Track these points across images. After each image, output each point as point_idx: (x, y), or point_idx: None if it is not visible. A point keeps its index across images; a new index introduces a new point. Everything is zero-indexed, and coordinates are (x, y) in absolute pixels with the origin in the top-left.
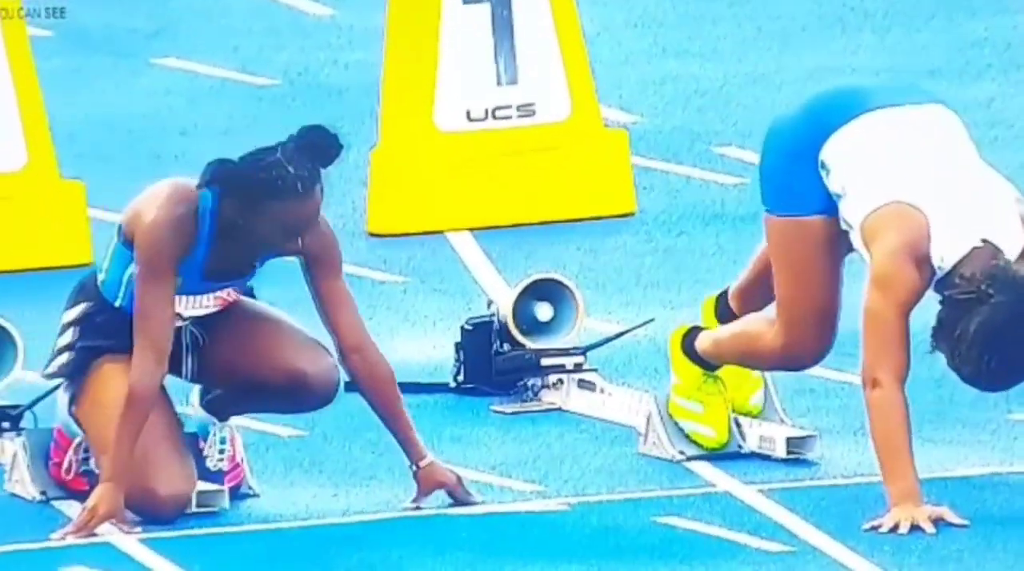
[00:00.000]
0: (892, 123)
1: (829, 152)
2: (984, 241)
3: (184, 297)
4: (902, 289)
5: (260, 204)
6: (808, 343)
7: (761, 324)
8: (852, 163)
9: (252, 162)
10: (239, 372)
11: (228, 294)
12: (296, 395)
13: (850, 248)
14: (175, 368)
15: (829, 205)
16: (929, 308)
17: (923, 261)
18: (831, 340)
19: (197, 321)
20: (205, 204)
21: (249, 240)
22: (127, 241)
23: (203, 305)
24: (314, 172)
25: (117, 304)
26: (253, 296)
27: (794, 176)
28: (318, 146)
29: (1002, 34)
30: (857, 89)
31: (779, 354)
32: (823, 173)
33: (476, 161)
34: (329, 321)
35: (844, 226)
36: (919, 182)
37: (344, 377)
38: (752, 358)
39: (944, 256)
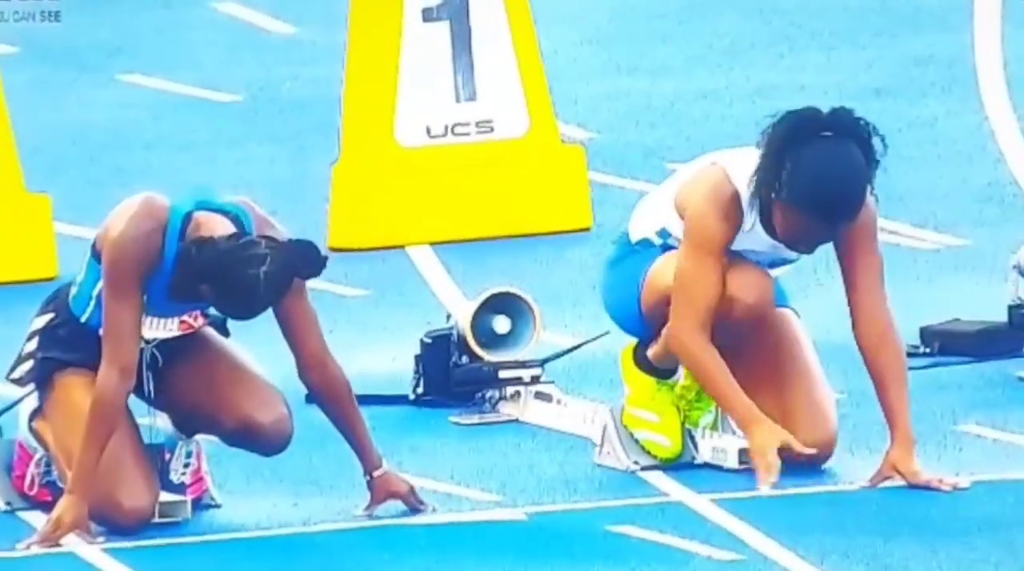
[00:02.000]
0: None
1: (635, 228)
2: None
3: (149, 318)
4: (700, 235)
5: (216, 291)
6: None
7: None
8: (659, 208)
9: (233, 262)
10: (195, 407)
11: (194, 318)
12: (247, 440)
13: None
14: (137, 388)
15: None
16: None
17: (730, 205)
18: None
19: (160, 345)
20: (175, 223)
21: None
22: (98, 256)
23: (166, 328)
24: (282, 290)
25: (83, 319)
26: (225, 329)
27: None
28: (304, 264)
29: (946, 52)
30: None
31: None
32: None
33: (436, 176)
34: (291, 338)
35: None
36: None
37: (304, 398)
38: None
39: (745, 180)
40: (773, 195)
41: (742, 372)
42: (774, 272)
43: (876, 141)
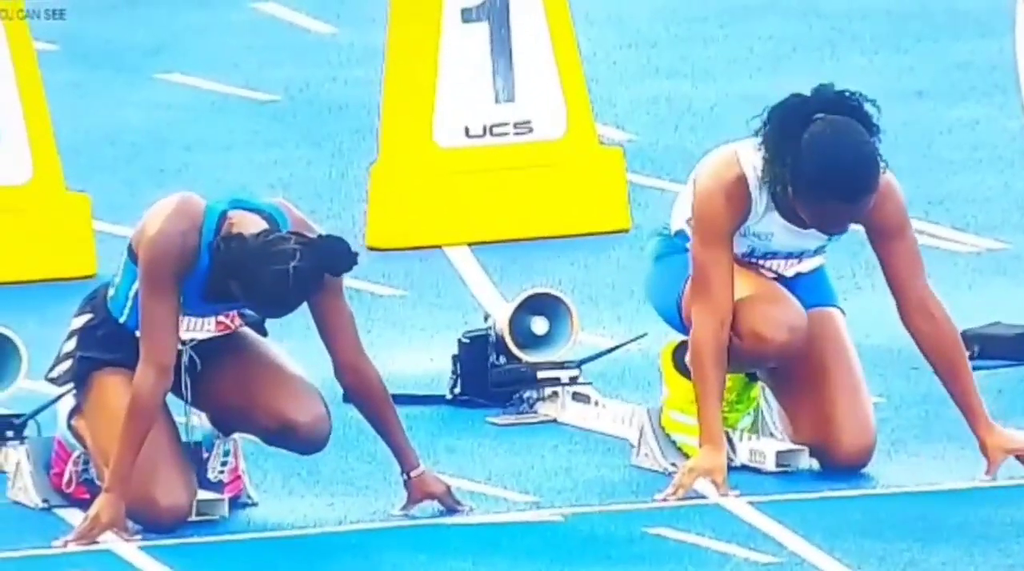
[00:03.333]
0: None
1: (674, 218)
2: None
3: (186, 319)
4: (706, 218)
5: (245, 287)
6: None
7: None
8: (689, 197)
9: (262, 258)
10: (232, 406)
11: (231, 319)
12: (285, 439)
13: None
14: (175, 388)
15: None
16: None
17: (734, 187)
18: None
19: (198, 346)
20: (210, 222)
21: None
22: (134, 257)
23: (204, 328)
24: (312, 287)
25: (121, 320)
26: (263, 328)
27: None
28: (334, 260)
29: (987, 57)
30: None
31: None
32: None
33: (474, 177)
34: (327, 338)
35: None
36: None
37: (343, 393)
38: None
39: (756, 164)
40: (784, 189)
41: (783, 373)
42: (805, 265)
43: (869, 107)
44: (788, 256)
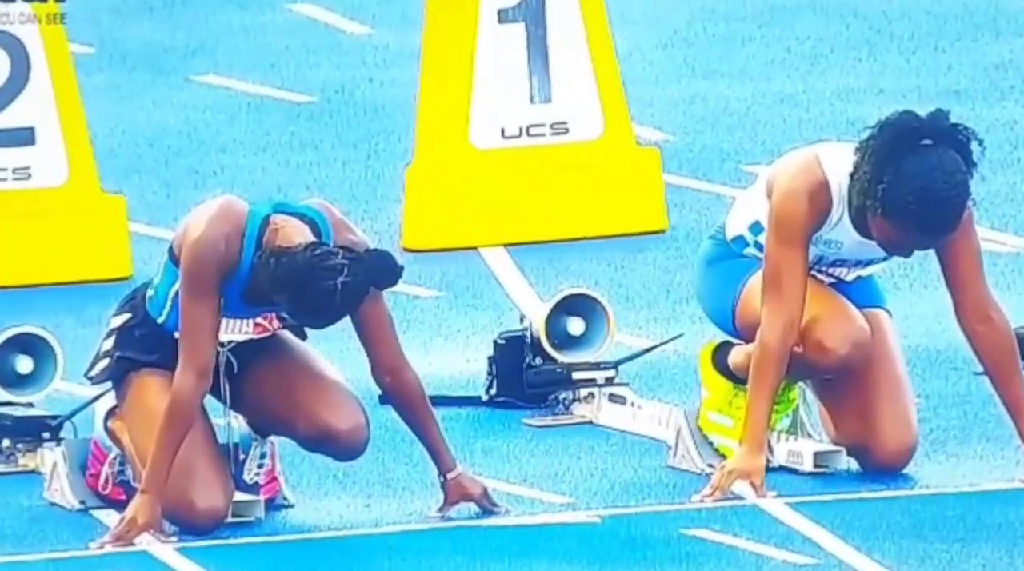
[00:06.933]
0: None
1: (731, 223)
2: None
3: (224, 320)
4: (785, 217)
5: (291, 301)
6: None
7: None
8: (752, 202)
9: (310, 273)
10: (271, 412)
11: (269, 321)
12: (324, 447)
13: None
14: (214, 390)
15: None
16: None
17: (818, 190)
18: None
19: (236, 349)
20: (253, 226)
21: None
22: (175, 259)
23: (241, 331)
24: (358, 301)
25: (160, 321)
26: (301, 332)
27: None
28: (381, 275)
29: None
30: None
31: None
32: (752, 238)
33: (510, 178)
34: (366, 340)
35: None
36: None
37: (380, 397)
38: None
39: (841, 183)
40: (874, 205)
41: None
42: (866, 270)
43: (974, 145)
44: (856, 264)
